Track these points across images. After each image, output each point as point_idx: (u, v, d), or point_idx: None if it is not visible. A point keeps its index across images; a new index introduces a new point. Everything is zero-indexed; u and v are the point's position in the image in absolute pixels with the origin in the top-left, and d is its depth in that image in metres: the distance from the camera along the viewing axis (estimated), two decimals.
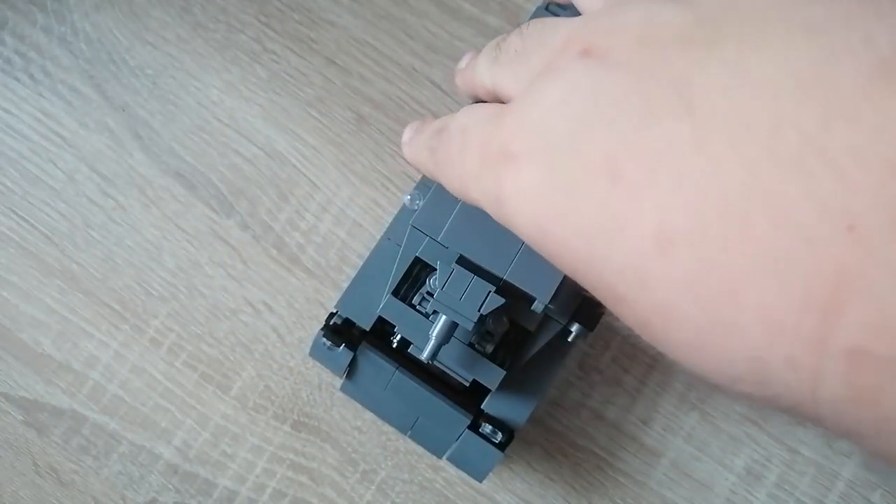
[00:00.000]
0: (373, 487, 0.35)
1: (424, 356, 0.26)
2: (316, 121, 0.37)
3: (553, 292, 0.26)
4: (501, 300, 0.26)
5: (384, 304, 0.28)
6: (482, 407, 0.29)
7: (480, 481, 0.29)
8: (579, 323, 0.29)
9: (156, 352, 0.36)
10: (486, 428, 0.29)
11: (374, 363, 0.30)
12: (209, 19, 0.38)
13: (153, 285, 0.36)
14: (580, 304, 0.29)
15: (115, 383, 0.36)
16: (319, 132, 0.37)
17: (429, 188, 0.29)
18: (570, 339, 0.29)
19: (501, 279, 0.26)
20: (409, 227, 0.28)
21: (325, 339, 0.29)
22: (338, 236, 0.36)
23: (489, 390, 0.29)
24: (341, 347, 0.29)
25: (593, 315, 0.29)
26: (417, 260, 0.28)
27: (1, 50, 0.38)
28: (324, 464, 0.35)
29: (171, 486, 0.35)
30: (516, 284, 0.26)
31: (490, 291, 0.26)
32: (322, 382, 0.36)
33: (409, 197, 0.30)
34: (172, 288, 0.36)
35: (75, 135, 0.37)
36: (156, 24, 0.38)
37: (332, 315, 0.31)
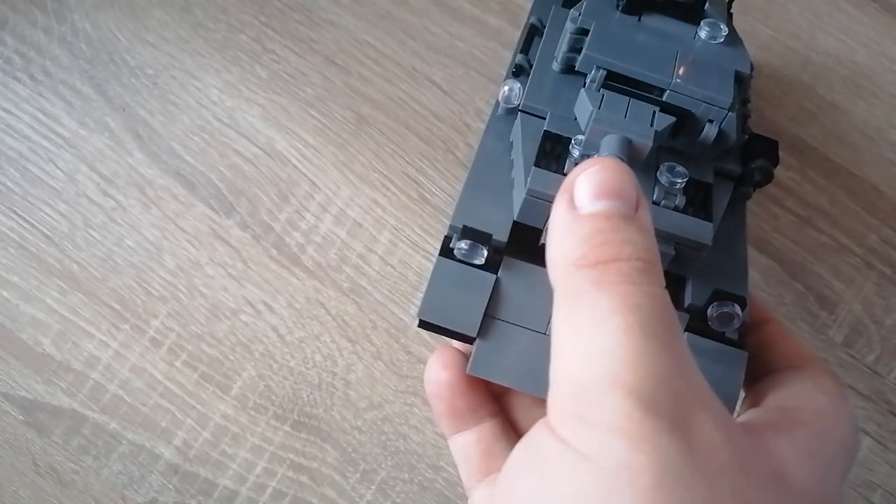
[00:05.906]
0: (373, 487, 0.35)
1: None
2: (316, 121, 0.37)
3: (732, 94, 0.22)
4: (672, 117, 0.22)
5: (532, 176, 0.21)
6: (690, 303, 0.22)
7: (737, 398, 0.21)
8: (759, 158, 0.24)
9: (156, 352, 0.36)
10: (713, 324, 0.22)
11: (527, 277, 0.22)
12: (209, 19, 0.38)
13: (153, 285, 0.36)
14: (749, 140, 0.25)
15: (115, 383, 0.36)
16: (319, 132, 0.37)
17: (524, 72, 0.25)
18: (755, 180, 0.24)
19: (665, 91, 0.22)
20: (518, 113, 0.24)
21: (462, 249, 0.22)
22: (338, 236, 0.36)
23: (683, 286, 0.23)
24: (479, 267, 0.22)
25: (770, 148, 0.24)
26: (546, 136, 0.23)
27: (1, 50, 0.38)
28: (324, 464, 0.35)
29: (171, 486, 0.35)
30: (686, 94, 0.22)
31: (655, 111, 0.21)
32: (322, 382, 0.36)
33: (506, 88, 0.25)
34: (172, 288, 0.36)
35: (75, 135, 0.37)
36: (156, 24, 0.38)
37: (447, 239, 0.23)
